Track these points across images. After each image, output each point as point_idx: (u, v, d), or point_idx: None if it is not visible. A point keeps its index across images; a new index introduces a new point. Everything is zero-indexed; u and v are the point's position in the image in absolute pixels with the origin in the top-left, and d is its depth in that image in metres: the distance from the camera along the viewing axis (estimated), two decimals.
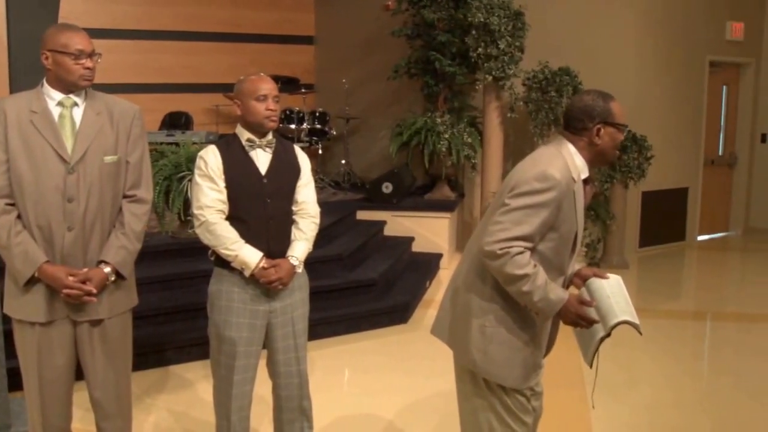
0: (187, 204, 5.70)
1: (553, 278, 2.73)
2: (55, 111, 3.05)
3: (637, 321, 2.69)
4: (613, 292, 2.75)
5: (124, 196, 3.16)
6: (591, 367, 2.88)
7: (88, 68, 3.03)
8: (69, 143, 3.02)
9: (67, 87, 3.05)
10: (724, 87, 10.51)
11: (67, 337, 3.11)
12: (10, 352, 4.04)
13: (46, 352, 3.10)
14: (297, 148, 3.58)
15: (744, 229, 10.91)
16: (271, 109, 3.34)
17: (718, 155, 10.57)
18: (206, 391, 4.80)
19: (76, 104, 3.08)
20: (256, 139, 3.39)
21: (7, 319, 4.02)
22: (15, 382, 4.23)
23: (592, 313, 2.71)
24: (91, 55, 3.04)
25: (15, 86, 9.02)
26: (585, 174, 2.79)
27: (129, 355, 3.31)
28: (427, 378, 5.20)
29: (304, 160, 3.55)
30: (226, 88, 9.87)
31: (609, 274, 2.85)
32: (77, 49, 3.00)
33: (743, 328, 6.55)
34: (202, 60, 10.24)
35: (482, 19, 8.16)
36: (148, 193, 3.22)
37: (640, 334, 2.70)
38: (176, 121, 9.46)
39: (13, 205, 3.01)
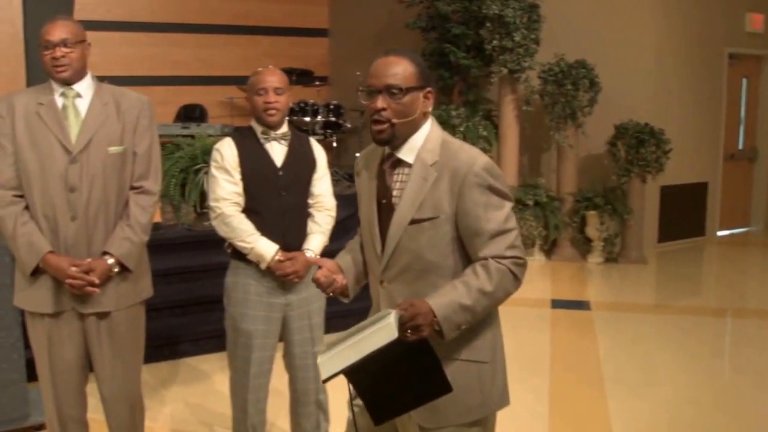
0: (203, 196, 5.69)
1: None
2: (60, 102, 3.04)
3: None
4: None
5: (131, 188, 3.12)
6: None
7: (54, 58, 2.97)
8: (73, 133, 3.01)
9: (55, 80, 3.04)
10: (744, 80, 10.37)
11: (75, 329, 3.09)
12: (29, 342, 4.08)
13: (56, 344, 3.10)
14: (313, 141, 3.55)
15: (766, 224, 10.76)
16: (269, 102, 3.30)
17: (738, 149, 10.43)
18: (222, 383, 4.78)
19: (78, 95, 3.06)
20: (271, 132, 3.37)
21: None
22: (33, 372, 4.25)
23: None
24: (58, 45, 2.98)
25: (32, 79, 9.03)
26: None
27: (139, 349, 3.28)
28: None
29: (320, 153, 3.52)
30: (239, 81, 9.82)
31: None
32: (45, 40, 2.99)
33: (764, 325, 6.46)
34: (215, 53, 10.23)
35: (497, 11, 8.11)
36: (155, 185, 3.18)
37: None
38: (191, 114, 9.45)
39: (21, 196, 3.01)
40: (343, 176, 9.14)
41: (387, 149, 2.36)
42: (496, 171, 2.29)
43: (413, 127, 2.30)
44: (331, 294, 2.49)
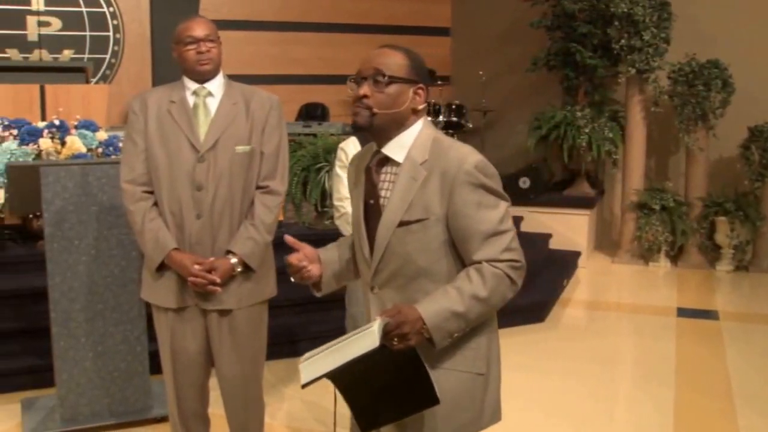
0: (324, 195, 5.75)
1: None
2: (191, 101, 3.10)
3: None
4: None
5: (257, 187, 3.15)
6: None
7: (200, 52, 3.05)
8: (202, 132, 3.06)
9: (192, 76, 3.10)
10: None
11: (198, 325, 3.15)
12: (153, 335, 4.21)
13: (178, 339, 3.17)
14: None
15: None
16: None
17: None
18: (314, 387, 4.81)
19: (210, 94, 3.11)
20: None
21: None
22: (156, 364, 4.38)
23: None
24: (203, 40, 3.05)
25: (157, 77, 9.35)
26: None
27: (260, 347, 3.31)
28: (564, 379, 5.04)
29: None
30: None
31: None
32: (189, 36, 3.05)
33: None
34: (337, 51, 10.31)
35: (625, 10, 7.86)
36: (281, 185, 3.20)
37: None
38: (312, 113, 9.57)
39: (150, 192, 3.09)
40: None
41: (375, 147, 2.29)
42: (489, 169, 2.18)
43: (397, 122, 2.21)
44: (298, 280, 2.39)
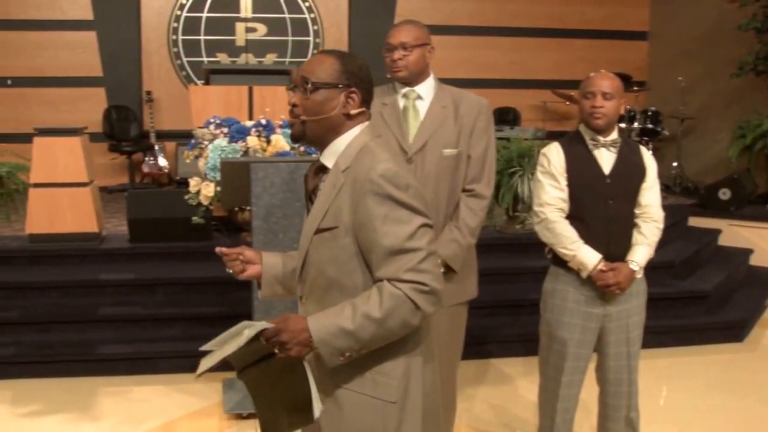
0: (516, 200, 5.72)
1: None
2: (401, 103, 3.17)
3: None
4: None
5: (463, 190, 3.17)
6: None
7: (392, 60, 3.12)
8: (411, 134, 3.12)
9: (394, 79, 3.19)
10: None
11: None
12: None
13: None
14: (644, 150, 3.38)
15: None
16: (595, 106, 3.19)
17: None
18: (525, 388, 4.78)
19: (420, 97, 3.17)
20: (600, 138, 3.27)
21: None
22: None
23: None
24: (397, 48, 3.11)
25: None
26: None
27: (458, 348, 3.34)
28: (762, 403, 4.76)
29: (650, 162, 3.35)
30: (553, 85, 9.80)
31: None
32: (387, 42, 3.15)
33: None
34: (528, 56, 10.24)
35: None
36: (487, 189, 3.20)
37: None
38: (504, 117, 9.55)
39: None
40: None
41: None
42: (400, 180, 1.99)
43: (330, 129, 2.12)
44: (230, 271, 2.33)
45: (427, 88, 3.19)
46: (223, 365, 2.03)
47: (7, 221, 5.82)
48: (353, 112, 2.13)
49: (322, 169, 2.16)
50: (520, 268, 5.70)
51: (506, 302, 5.59)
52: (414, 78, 3.15)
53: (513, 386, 4.94)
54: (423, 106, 3.17)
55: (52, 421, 4.39)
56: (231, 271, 2.35)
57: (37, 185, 5.63)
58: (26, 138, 5.95)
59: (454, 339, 3.29)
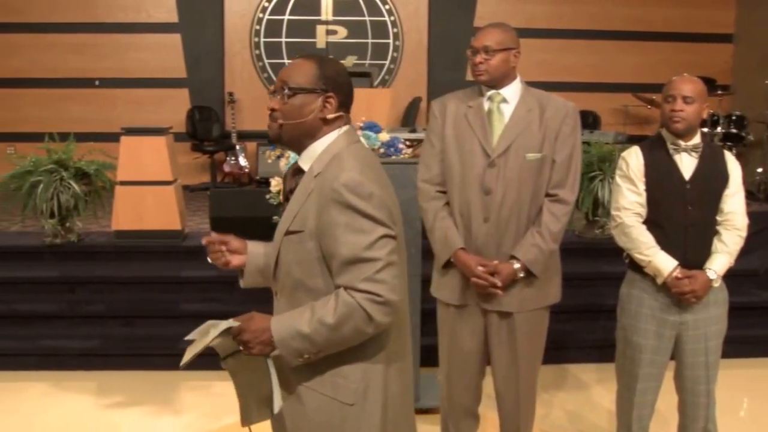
0: (596, 204, 5.66)
1: None
2: (486, 106, 3.17)
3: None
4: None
5: (546, 195, 3.15)
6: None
7: (474, 63, 3.13)
8: (495, 137, 3.12)
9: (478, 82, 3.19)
10: None
11: (477, 324, 3.22)
12: (425, 330, 4.35)
13: (457, 335, 3.26)
14: (728, 155, 3.31)
15: None
16: (674, 110, 3.15)
17: None
18: (600, 395, 4.74)
19: (504, 100, 3.16)
20: (681, 143, 3.22)
21: (426, 298, 4.35)
22: (424, 358, 4.53)
23: None
24: (479, 51, 3.11)
25: (432, 83, 9.66)
26: None
27: (537, 352, 3.32)
28: None
29: (734, 168, 3.27)
30: (634, 89, 9.64)
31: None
32: (470, 45, 3.15)
33: None
34: (608, 59, 10.10)
35: None
36: (571, 195, 3.17)
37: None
38: (584, 121, 9.44)
39: (443, 192, 3.21)
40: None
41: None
42: (362, 190, 2.02)
43: (306, 133, 2.17)
44: (217, 263, 2.42)
45: (512, 92, 3.18)
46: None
47: (95, 218, 6.02)
48: (330, 116, 2.18)
49: (299, 172, 2.22)
50: (598, 273, 5.63)
51: (584, 308, 5.53)
52: (498, 81, 3.15)
53: (588, 392, 4.90)
54: (508, 110, 3.16)
55: (134, 413, 4.54)
56: (211, 261, 2.44)
57: (123, 183, 5.79)
58: (113, 137, 6.11)
59: (534, 343, 3.28)
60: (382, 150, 5.20)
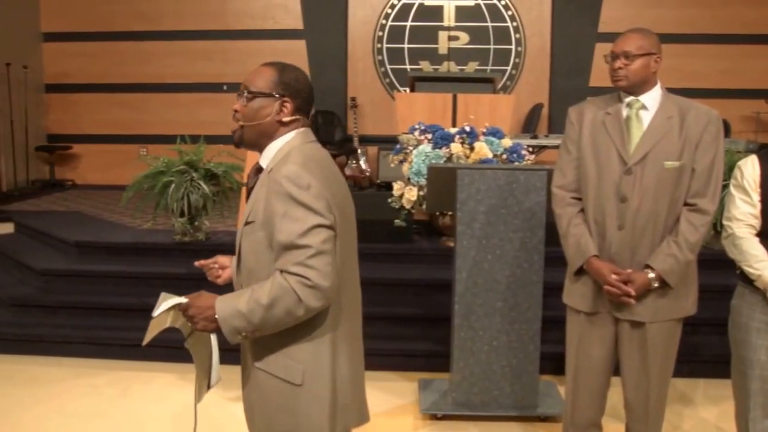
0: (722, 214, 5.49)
1: None
2: (624, 113, 3.13)
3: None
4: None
5: (685, 204, 3.08)
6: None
7: (612, 69, 3.08)
8: (632, 145, 3.08)
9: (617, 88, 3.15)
10: None
11: (607, 331, 3.19)
12: (546, 337, 4.34)
13: (585, 342, 3.23)
14: None
15: None
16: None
17: None
18: (726, 413, 4.58)
19: (644, 107, 3.12)
20: None
21: (547, 306, 4.31)
22: (545, 366, 4.50)
23: None
24: (618, 56, 3.07)
25: (554, 89, 9.55)
26: None
27: (669, 363, 3.24)
28: None
29: None
30: (766, 94, 9.28)
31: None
32: (611, 50, 3.12)
33: None
34: (739, 64, 9.76)
35: None
36: (711, 205, 3.07)
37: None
38: None
39: (578, 199, 3.19)
40: None
41: None
42: (302, 181, 2.17)
43: (265, 134, 2.34)
44: (212, 280, 2.62)
45: (652, 98, 3.12)
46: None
47: (221, 217, 6.23)
48: (286, 119, 2.34)
49: (260, 170, 2.38)
50: (726, 285, 5.44)
51: (710, 321, 5.36)
52: (637, 87, 3.10)
53: (718, 408, 4.74)
54: (647, 117, 3.11)
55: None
56: (210, 279, 2.64)
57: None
58: None
59: (666, 354, 3.21)
60: (504, 156, 5.20)
